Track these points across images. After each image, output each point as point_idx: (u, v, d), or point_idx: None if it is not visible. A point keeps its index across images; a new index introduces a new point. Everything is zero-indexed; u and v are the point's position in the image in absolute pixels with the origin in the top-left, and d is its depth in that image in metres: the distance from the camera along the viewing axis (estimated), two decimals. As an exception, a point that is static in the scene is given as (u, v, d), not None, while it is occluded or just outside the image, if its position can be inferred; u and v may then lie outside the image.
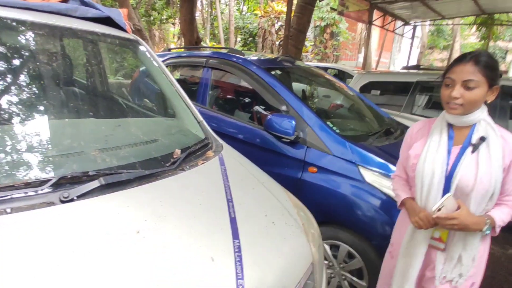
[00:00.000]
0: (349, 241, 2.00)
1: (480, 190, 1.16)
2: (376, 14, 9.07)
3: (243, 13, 15.32)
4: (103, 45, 1.92)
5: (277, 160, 2.26)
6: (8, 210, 0.86)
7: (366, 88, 4.00)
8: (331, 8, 11.72)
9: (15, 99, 1.24)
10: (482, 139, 1.18)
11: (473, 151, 1.19)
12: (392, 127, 2.73)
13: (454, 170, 1.20)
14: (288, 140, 2.19)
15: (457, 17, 10.86)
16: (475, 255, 1.23)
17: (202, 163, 1.42)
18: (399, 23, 11.19)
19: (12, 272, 0.72)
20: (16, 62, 1.35)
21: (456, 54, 20.70)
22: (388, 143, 2.31)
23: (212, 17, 15.84)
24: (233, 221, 1.10)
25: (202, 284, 0.85)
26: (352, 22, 12.44)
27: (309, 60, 13.51)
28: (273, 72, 2.65)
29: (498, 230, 1.20)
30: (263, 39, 12.15)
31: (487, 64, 1.13)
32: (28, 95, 1.28)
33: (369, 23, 8.59)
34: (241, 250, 0.99)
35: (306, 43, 14.29)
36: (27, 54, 1.40)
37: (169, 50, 3.59)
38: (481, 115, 1.20)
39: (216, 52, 2.97)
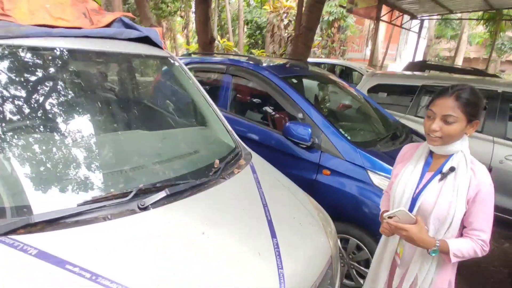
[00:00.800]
0: (357, 235, 2.28)
1: (437, 215, 1.23)
2: (384, 9, 9.13)
3: (252, 6, 15.32)
4: (144, 63, 2.17)
5: (294, 163, 2.53)
6: (109, 217, 1.13)
7: (374, 90, 4.22)
8: (340, 6, 11.75)
9: (88, 121, 1.51)
10: (452, 169, 1.23)
11: (440, 179, 1.26)
12: (398, 131, 2.98)
13: (420, 193, 1.28)
14: (304, 146, 2.45)
15: (465, 12, 10.85)
16: (432, 279, 1.29)
17: (238, 172, 1.69)
18: (406, 17, 11.22)
19: (120, 259, 1.00)
20: (87, 87, 1.61)
21: (463, 44, 20.51)
22: (394, 148, 2.56)
23: (219, 8, 15.89)
24: (270, 223, 1.38)
25: (254, 272, 1.13)
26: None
27: (317, 56, 13.60)
28: (289, 80, 2.89)
29: (453, 258, 1.21)
30: (271, 34, 12.25)
31: (468, 101, 1.17)
32: (96, 116, 1.55)
33: (377, 19, 8.68)
34: (279, 246, 1.27)
35: (314, 37, 14.37)
36: (93, 78, 1.66)
37: (190, 54, 3.83)
38: (460, 147, 1.24)
39: (236, 60, 3.20)
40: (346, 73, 8.03)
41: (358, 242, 2.28)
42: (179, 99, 2.28)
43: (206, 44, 5.62)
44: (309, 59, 7.11)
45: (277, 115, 3.00)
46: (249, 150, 2.05)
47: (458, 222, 1.23)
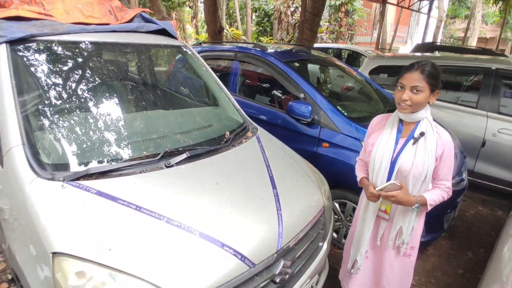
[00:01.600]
0: (353, 199, 2.57)
1: (415, 173, 1.46)
2: (391, -10, 9.12)
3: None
4: (162, 52, 2.50)
5: (296, 137, 2.82)
6: (144, 170, 1.47)
7: (375, 71, 4.42)
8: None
9: (122, 101, 1.85)
10: (422, 134, 1.46)
11: (413, 143, 1.47)
12: (395, 108, 3.21)
13: (397, 157, 1.50)
14: (305, 122, 2.74)
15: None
16: (413, 226, 1.58)
17: (245, 141, 2.01)
18: (415, -3, 11.11)
19: (154, 198, 1.34)
20: (119, 73, 1.95)
21: (478, 24, 19.96)
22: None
23: (227, -4, 16.04)
24: (271, 179, 1.69)
25: (258, 212, 1.46)
26: (367, -3, 12.38)
27: (324, 41, 13.62)
28: (291, 64, 3.16)
29: (429, 207, 1.50)
30: (279, 21, 12.34)
31: (430, 73, 1.39)
32: (129, 97, 1.89)
33: (383, 1, 8.69)
34: (278, 194, 1.59)
35: (321, 22, 14.32)
36: (123, 66, 2.00)
37: (200, 44, 4.12)
38: (425, 114, 1.46)
39: (244, 47, 3.48)
40: (353, 57, 8.14)
41: (354, 205, 2.58)
42: (193, 83, 2.61)
43: (216, 33, 5.88)
44: (316, 45, 7.26)
45: (282, 96, 3.28)
46: (256, 125, 2.36)
47: (430, 176, 1.49)
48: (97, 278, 1.06)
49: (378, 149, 1.55)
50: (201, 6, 18.62)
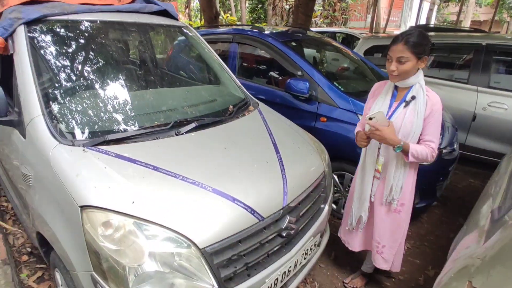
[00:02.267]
0: (351, 170, 2.70)
1: (403, 132, 1.62)
2: (384, -27, 9.11)
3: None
4: (165, 32, 2.58)
5: (295, 114, 2.93)
6: (157, 137, 1.58)
7: (370, 52, 4.51)
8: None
9: (134, 77, 1.94)
10: (413, 97, 1.61)
11: (405, 106, 1.63)
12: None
13: (390, 118, 1.65)
14: (303, 98, 2.84)
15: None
16: (402, 184, 1.72)
17: (248, 114, 2.12)
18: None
19: (168, 160, 1.45)
20: (125, 51, 2.03)
21: (471, 6, 19.97)
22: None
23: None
24: (274, 145, 1.81)
25: (264, 171, 1.58)
26: (361, -19, 12.33)
27: (318, 25, 13.61)
28: (289, 44, 3.24)
29: (410, 158, 1.58)
30: (273, 7, 12.31)
31: (414, 43, 1.49)
32: (138, 73, 1.98)
33: (377, -16, 8.70)
34: (282, 158, 1.71)
35: (315, 7, 14.28)
36: (129, 44, 2.08)
37: (198, 28, 4.18)
38: (416, 80, 1.59)
39: (241, 29, 3.55)
40: (348, 41, 8.21)
41: (352, 176, 2.71)
42: (196, 62, 2.69)
43: (212, 19, 5.91)
44: (310, 29, 7.30)
45: (280, 75, 3.37)
46: (257, 100, 2.46)
47: (417, 136, 1.63)
48: (124, 227, 1.18)
49: (373, 112, 1.67)
50: (193, -5, 18.43)
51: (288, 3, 12.37)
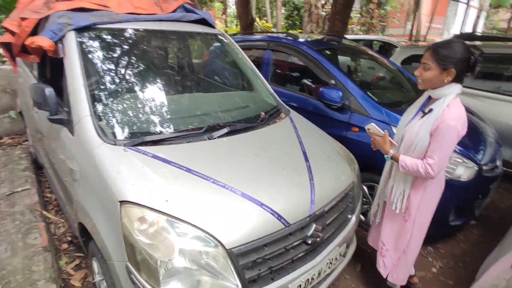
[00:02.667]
0: (382, 182, 2.64)
1: (407, 141, 1.66)
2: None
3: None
4: (202, 39, 2.70)
5: (327, 122, 2.92)
6: (191, 141, 1.66)
7: (407, 61, 4.38)
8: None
9: (172, 82, 2.06)
10: (430, 110, 1.59)
11: (421, 117, 1.63)
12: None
13: (406, 126, 1.71)
14: (336, 107, 2.83)
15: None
16: (403, 190, 1.73)
17: (279, 121, 2.15)
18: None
19: (200, 163, 1.52)
20: (166, 57, 2.16)
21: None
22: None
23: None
24: (304, 153, 1.83)
25: (293, 178, 1.60)
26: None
27: (355, 33, 13.37)
28: (323, 52, 3.24)
29: (400, 168, 1.64)
30: (309, 13, 12.28)
31: (440, 54, 1.49)
32: (176, 79, 2.09)
33: (419, -10, 8.41)
34: (310, 167, 1.72)
35: (352, 14, 14.04)
36: (170, 51, 2.21)
37: (234, 35, 4.30)
38: (445, 93, 1.55)
39: (275, 36, 3.61)
40: (385, 49, 7.99)
41: (383, 188, 2.64)
42: (230, 69, 2.78)
43: (247, 25, 6.04)
44: (346, 36, 7.22)
45: (313, 83, 3.38)
46: (288, 108, 2.49)
47: (421, 149, 1.59)
48: (157, 223, 1.26)
49: (404, 115, 1.81)
50: (230, 1, 18.86)
51: (324, 10, 12.28)
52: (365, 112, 2.72)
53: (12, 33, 2.45)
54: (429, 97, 1.68)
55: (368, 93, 2.83)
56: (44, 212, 2.61)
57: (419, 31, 11.62)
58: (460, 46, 1.50)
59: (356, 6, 13.74)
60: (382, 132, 1.70)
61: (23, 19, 2.18)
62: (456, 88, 1.57)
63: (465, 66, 1.51)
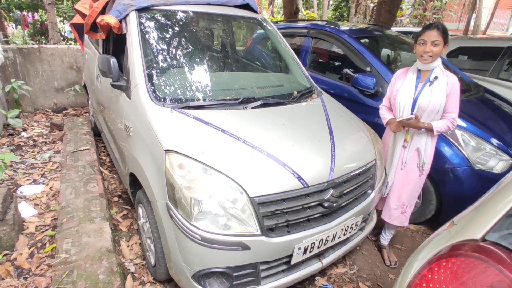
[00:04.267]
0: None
1: (431, 109, 1.89)
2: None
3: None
4: (245, 23, 2.91)
5: (360, 108, 3.00)
6: (228, 109, 1.89)
7: (454, 53, 4.23)
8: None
9: (216, 60, 2.30)
10: (435, 78, 1.88)
11: (429, 85, 1.90)
12: (470, 88, 3.16)
13: (417, 97, 1.93)
14: (369, 93, 2.90)
15: None
16: (426, 148, 2.00)
17: (311, 100, 2.31)
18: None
19: (234, 126, 1.73)
20: (213, 38, 2.40)
21: None
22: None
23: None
24: (330, 128, 1.98)
25: (316, 148, 1.77)
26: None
27: (404, 25, 12.74)
28: (362, 40, 3.29)
29: (436, 132, 1.90)
30: (356, 4, 11.95)
31: (444, 30, 1.81)
32: (220, 57, 2.33)
33: (479, -19, 7.82)
34: (334, 140, 1.87)
35: (404, 6, 13.36)
36: (217, 32, 2.45)
37: (276, 22, 4.46)
38: (438, 63, 1.88)
39: (316, 24, 3.71)
40: (436, 43, 7.59)
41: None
42: (270, 52, 2.97)
43: (291, 14, 6.14)
44: (393, 29, 7.00)
45: (349, 70, 3.45)
46: (321, 90, 2.63)
47: (441, 109, 1.91)
48: (194, 170, 1.50)
49: (401, 93, 1.99)
50: (278, -8, 18.87)
51: (372, 1, 11.86)
52: (398, 99, 2.76)
53: (82, 14, 2.85)
54: (418, 70, 1.95)
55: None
56: (101, 168, 3.03)
57: (478, 25, 10.80)
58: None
59: (409, -3, 13.06)
60: (410, 115, 1.92)
61: (94, 1, 2.54)
62: (440, 58, 1.90)
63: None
